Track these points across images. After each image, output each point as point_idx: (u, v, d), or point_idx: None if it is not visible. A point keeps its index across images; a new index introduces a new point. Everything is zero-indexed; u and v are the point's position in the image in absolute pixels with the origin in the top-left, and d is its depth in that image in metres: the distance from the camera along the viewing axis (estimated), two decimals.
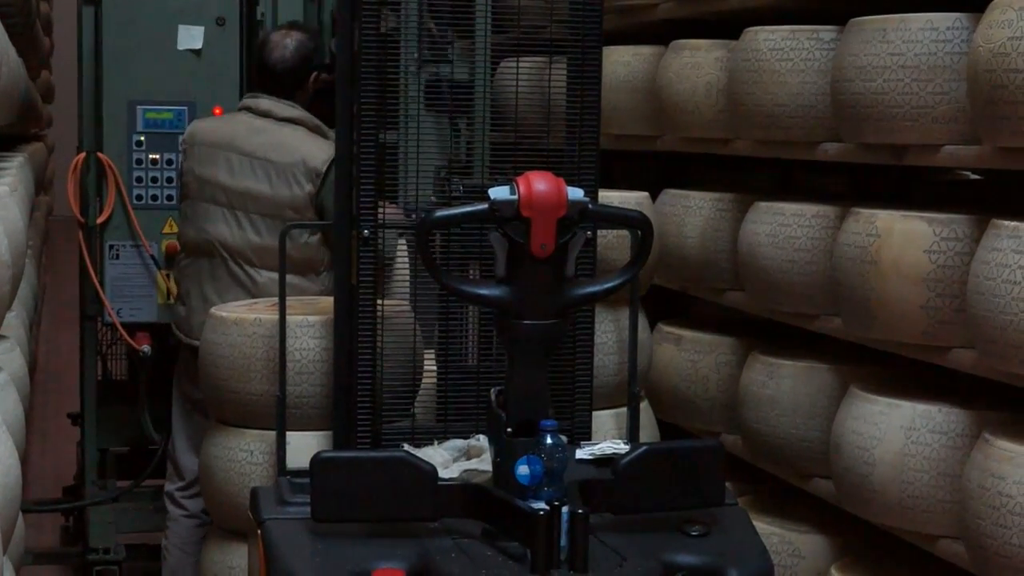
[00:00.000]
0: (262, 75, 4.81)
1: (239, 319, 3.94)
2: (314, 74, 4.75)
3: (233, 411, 3.95)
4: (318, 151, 4.57)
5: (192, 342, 4.65)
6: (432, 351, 3.75)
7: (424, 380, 3.70)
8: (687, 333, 4.80)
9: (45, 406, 7.85)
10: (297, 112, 4.70)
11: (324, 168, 4.51)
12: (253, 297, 4.57)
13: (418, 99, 3.70)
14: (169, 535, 4.87)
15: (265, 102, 4.74)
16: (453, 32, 3.74)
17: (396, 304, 3.65)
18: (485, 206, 3.11)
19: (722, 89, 4.53)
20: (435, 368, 3.72)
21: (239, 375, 3.89)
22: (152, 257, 5.38)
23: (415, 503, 3.12)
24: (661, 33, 5.00)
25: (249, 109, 4.77)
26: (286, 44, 4.76)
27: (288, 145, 4.62)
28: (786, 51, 4.14)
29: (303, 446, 3.61)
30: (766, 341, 4.57)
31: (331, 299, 3.70)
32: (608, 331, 4.11)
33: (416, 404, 3.68)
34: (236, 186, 4.66)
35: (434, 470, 3.15)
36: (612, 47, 5.03)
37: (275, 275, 4.40)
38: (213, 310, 4.08)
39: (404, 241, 3.83)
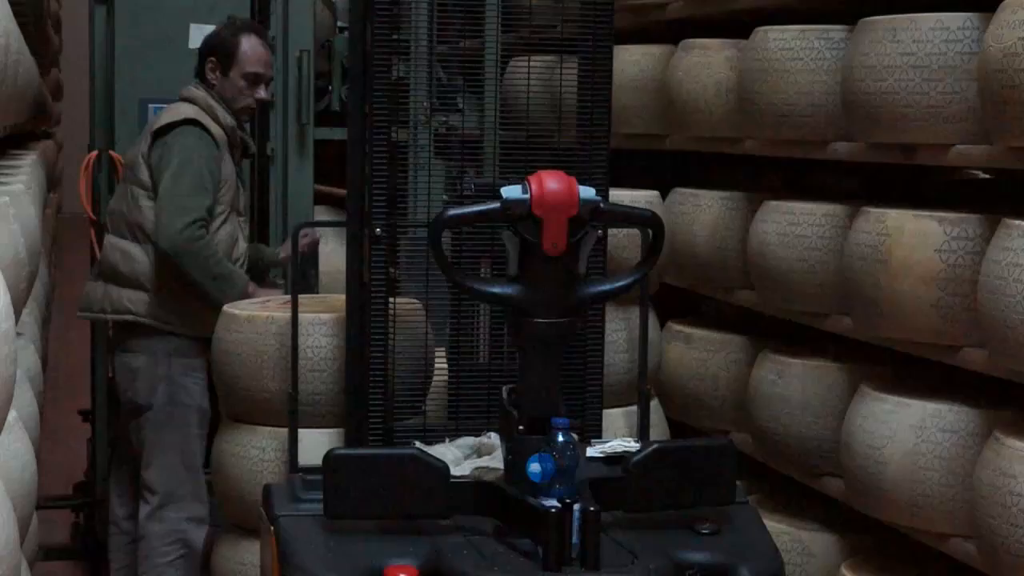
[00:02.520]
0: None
1: (251, 316, 3.95)
2: (210, 59, 4.80)
3: (245, 408, 3.96)
4: (167, 115, 4.69)
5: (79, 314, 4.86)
6: (444, 349, 3.76)
7: (436, 378, 3.71)
8: (697, 332, 4.81)
9: (55, 403, 7.86)
10: (194, 91, 4.78)
11: (158, 127, 4.64)
12: (100, 262, 4.78)
13: (430, 101, 3.72)
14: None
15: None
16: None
17: (408, 302, 3.67)
18: (497, 205, 3.12)
19: (732, 88, 4.53)
20: (447, 366, 3.73)
21: (251, 372, 3.91)
22: None
23: (427, 500, 3.13)
24: (671, 32, 5.01)
25: None
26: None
27: (160, 115, 4.77)
28: (796, 50, 4.15)
29: (315, 443, 3.62)
30: (776, 340, 4.57)
31: (343, 297, 3.71)
32: (618, 329, 4.12)
33: (428, 402, 3.69)
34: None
35: (446, 467, 3.17)
36: (622, 46, 5.04)
37: (114, 239, 4.70)
38: (226, 307, 4.11)
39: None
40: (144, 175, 4.65)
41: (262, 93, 4.84)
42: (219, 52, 4.81)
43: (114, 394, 4.99)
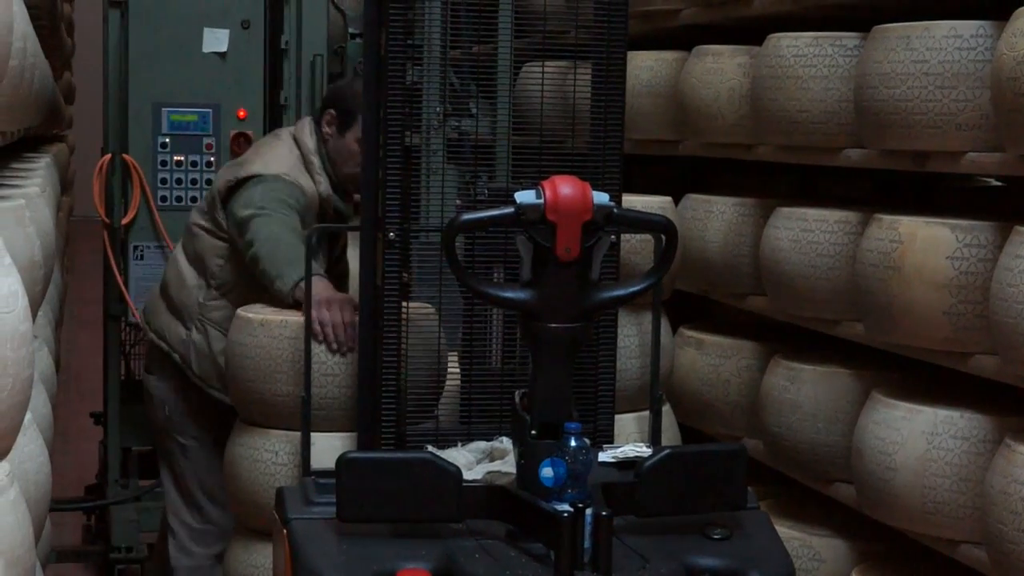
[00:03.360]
0: None
1: (265, 320, 3.96)
2: (329, 112, 4.44)
3: (259, 411, 3.97)
4: (258, 164, 4.36)
5: None
6: (456, 353, 3.76)
7: (448, 382, 3.71)
8: (709, 337, 4.81)
9: (67, 405, 7.88)
10: (300, 131, 4.47)
11: (245, 175, 4.32)
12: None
13: (443, 104, 3.73)
14: None
15: None
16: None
17: (420, 307, 3.67)
18: (511, 210, 3.13)
19: (745, 95, 4.54)
20: (459, 370, 3.74)
21: (265, 376, 3.91)
22: None
23: (439, 504, 3.13)
24: (684, 39, 5.01)
25: None
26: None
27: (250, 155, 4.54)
28: (809, 57, 4.15)
29: (327, 447, 3.63)
30: (788, 346, 4.57)
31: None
32: (631, 335, 4.13)
33: (440, 406, 3.69)
34: None
35: (458, 471, 3.17)
36: (635, 52, 5.04)
37: (178, 254, 4.55)
38: (240, 311, 4.08)
39: None
40: (219, 215, 4.39)
41: None
42: (340, 107, 4.40)
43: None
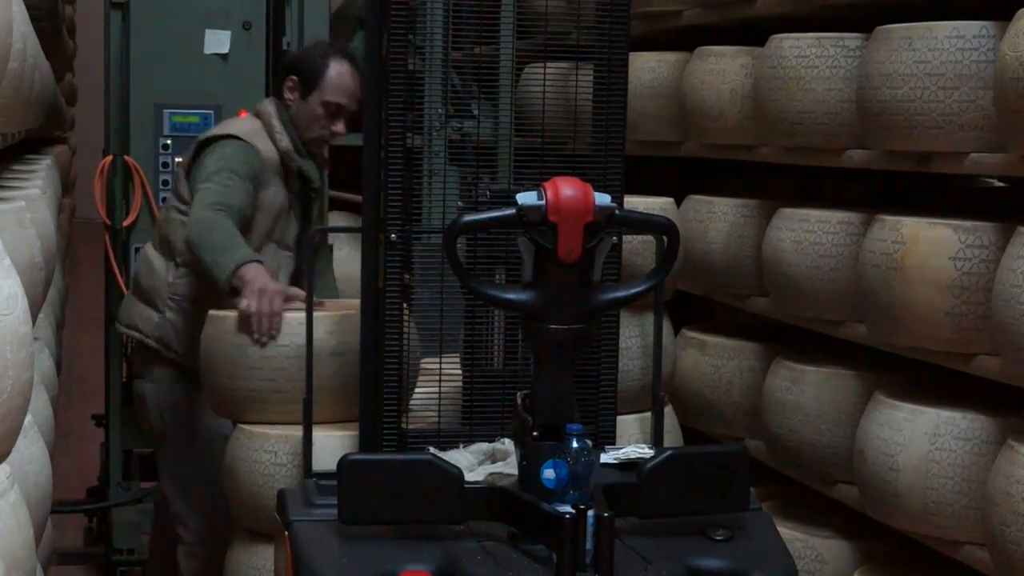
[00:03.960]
0: None
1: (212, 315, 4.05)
2: (290, 78, 4.49)
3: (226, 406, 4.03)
4: (217, 128, 4.51)
5: None
6: (458, 355, 3.76)
7: (450, 383, 3.71)
8: (711, 339, 4.81)
9: (69, 407, 7.88)
10: (262, 106, 4.53)
11: (202, 139, 4.44)
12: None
13: (445, 104, 3.72)
14: None
15: None
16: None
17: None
18: (513, 211, 3.13)
19: (747, 96, 4.53)
20: (461, 372, 3.73)
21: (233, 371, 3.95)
22: None
23: (441, 506, 3.13)
24: (686, 39, 5.01)
25: None
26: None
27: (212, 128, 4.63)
28: (812, 58, 4.15)
29: (328, 448, 3.62)
30: (790, 347, 4.57)
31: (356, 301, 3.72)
32: (633, 336, 4.12)
33: (442, 407, 3.68)
34: None
35: (460, 473, 3.17)
36: (637, 53, 5.04)
37: (148, 250, 4.53)
38: (212, 312, 4.07)
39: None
40: (183, 188, 4.46)
41: (340, 127, 4.48)
42: (302, 72, 4.47)
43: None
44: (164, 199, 5.40)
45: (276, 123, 4.44)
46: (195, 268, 4.32)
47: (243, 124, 4.48)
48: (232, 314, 3.96)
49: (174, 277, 4.45)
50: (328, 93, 4.43)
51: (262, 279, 3.96)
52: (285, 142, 4.44)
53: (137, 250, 5.43)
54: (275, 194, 4.44)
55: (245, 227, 4.32)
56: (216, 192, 4.25)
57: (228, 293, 4.02)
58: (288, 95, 4.48)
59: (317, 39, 4.76)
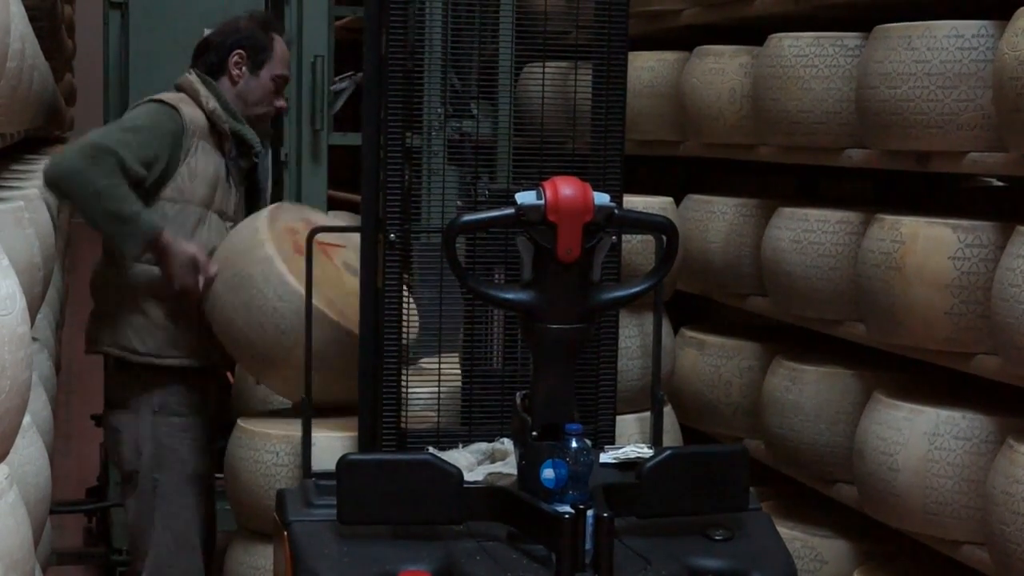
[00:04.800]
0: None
1: None
2: (236, 52, 4.31)
3: None
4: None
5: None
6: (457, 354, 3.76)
7: (449, 383, 3.70)
8: (710, 338, 4.81)
9: (68, 407, 7.88)
10: (187, 77, 4.32)
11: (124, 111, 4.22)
12: None
13: (444, 105, 3.72)
14: None
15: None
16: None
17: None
18: (512, 210, 3.13)
19: (746, 95, 4.53)
20: (460, 371, 3.73)
21: None
22: None
23: (440, 506, 3.13)
24: (685, 39, 5.01)
25: None
26: (220, 23, 4.47)
27: None
28: (811, 57, 4.15)
29: (328, 448, 3.62)
30: (789, 346, 4.57)
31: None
32: (632, 336, 4.12)
33: (441, 407, 3.68)
34: None
35: (459, 473, 3.17)
36: (636, 52, 5.04)
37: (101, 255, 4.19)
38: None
39: None
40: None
41: (282, 102, 4.43)
42: (250, 47, 4.32)
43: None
44: None
45: (200, 87, 4.25)
46: (72, 203, 4.13)
47: (166, 95, 4.26)
48: None
49: (131, 268, 4.14)
50: (278, 67, 4.35)
51: (177, 248, 4.02)
52: (212, 103, 4.24)
53: None
54: (206, 160, 4.19)
55: (178, 196, 4.14)
56: (105, 135, 4.09)
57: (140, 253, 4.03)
58: (235, 71, 4.31)
59: (237, 14, 4.48)
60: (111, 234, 4.03)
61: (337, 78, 5.56)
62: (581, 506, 2.99)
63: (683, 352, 4.81)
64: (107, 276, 4.23)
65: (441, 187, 3.65)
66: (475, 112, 3.76)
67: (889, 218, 3.80)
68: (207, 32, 4.45)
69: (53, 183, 4.00)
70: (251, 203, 4.46)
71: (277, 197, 5.40)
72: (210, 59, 4.34)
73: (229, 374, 5.29)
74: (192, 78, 4.30)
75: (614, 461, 3.52)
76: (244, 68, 4.32)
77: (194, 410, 4.24)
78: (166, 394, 4.20)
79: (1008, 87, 3.35)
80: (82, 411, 7.22)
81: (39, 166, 4.81)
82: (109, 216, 3.97)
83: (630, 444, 3.65)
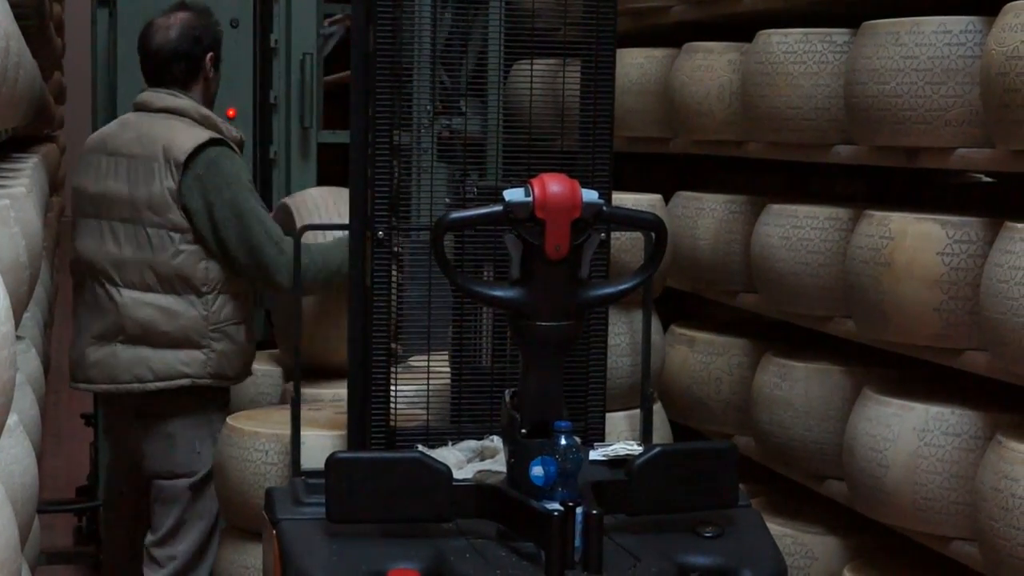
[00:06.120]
0: (145, 65, 4.33)
1: None
2: (209, 55, 4.29)
3: None
4: (183, 140, 4.09)
5: (76, 386, 4.31)
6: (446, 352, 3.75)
7: (438, 381, 3.70)
8: (700, 335, 4.81)
9: (58, 406, 7.86)
10: (179, 101, 4.22)
11: (185, 158, 4.06)
12: (117, 323, 4.14)
13: (432, 101, 3.72)
14: None
15: (145, 94, 4.31)
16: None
17: None
18: (500, 208, 3.12)
19: (735, 91, 4.53)
20: (449, 369, 3.73)
21: None
22: None
23: (430, 504, 3.13)
24: (674, 35, 5.01)
25: (135, 105, 4.37)
26: (168, 27, 4.27)
27: (152, 136, 4.15)
28: (799, 54, 4.14)
29: (317, 446, 3.61)
30: (779, 343, 4.57)
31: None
32: (621, 333, 4.12)
33: (431, 405, 3.68)
34: (97, 190, 4.22)
35: (448, 471, 3.16)
36: (625, 49, 5.04)
37: (138, 294, 4.09)
38: None
39: None
40: (176, 215, 4.10)
41: None
42: (217, 44, 4.31)
43: (121, 465, 4.44)
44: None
45: (207, 113, 4.23)
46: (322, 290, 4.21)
47: (198, 132, 4.15)
48: None
49: (207, 310, 4.14)
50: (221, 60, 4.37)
51: None
52: (234, 132, 4.29)
53: None
54: None
55: None
56: (267, 224, 4.13)
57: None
58: (210, 73, 4.30)
59: (175, 14, 4.34)
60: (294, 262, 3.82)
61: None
62: (570, 503, 2.99)
63: (673, 349, 4.81)
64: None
65: (430, 184, 3.65)
66: (464, 109, 3.76)
67: (878, 214, 3.80)
68: (157, 42, 4.29)
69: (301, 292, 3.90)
70: None
71: (266, 196, 5.40)
72: (178, 69, 4.26)
73: None
74: (192, 104, 4.22)
75: (603, 458, 3.52)
76: (212, 68, 4.32)
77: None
78: (225, 393, 4.34)
79: (996, 83, 3.35)
80: (72, 410, 7.21)
81: (27, 164, 4.80)
82: (339, 273, 4.02)
83: (620, 441, 3.65)
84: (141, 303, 4.13)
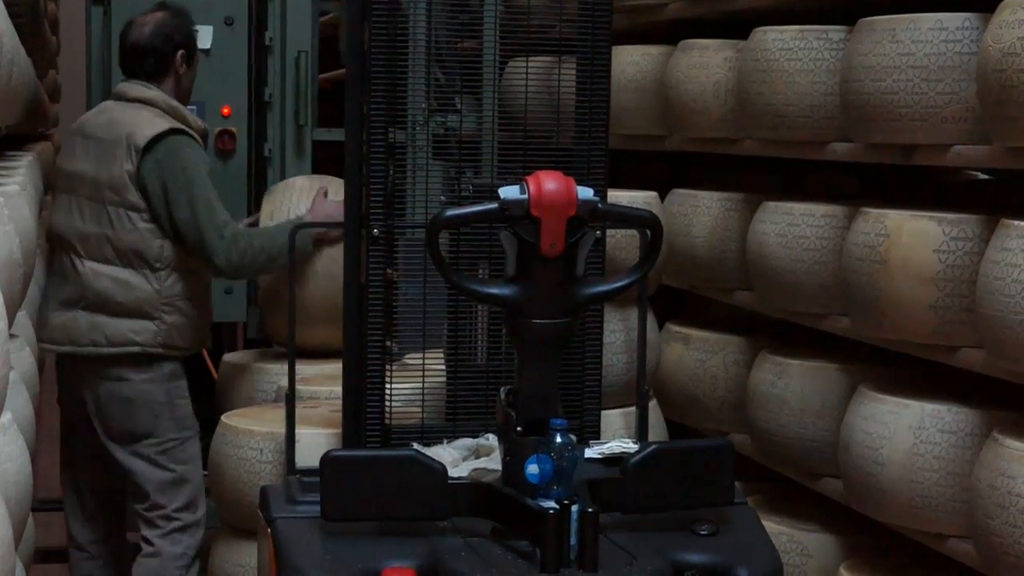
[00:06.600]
0: (122, 57, 4.60)
1: None
2: (179, 52, 4.52)
3: None
4: (146, 127, 4.36)
5: (42, 345, 4.48)
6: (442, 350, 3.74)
7: (434, 379, 3.70)
8: (696, 333, 4.80)
9: (52, 405, 7.84)
10: (150, 92, 4.47)
11: (145, 143, 4.32)
12: (79, 291, 4.40)
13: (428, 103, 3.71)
14: None
15: (121, 84, 4.58)
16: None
17: None
18: (495, 205, 3.12)
19: (731, 89, 4.52)
20: (445, 367, 3.72)
21: None
22: None
23: (425, 502, 3.12)
24: (670, 33, 5.00)
25: (113, 94, 4.65)
26: (144, 24, 4.54)
27: (120, 122, 4.42)
28: (795, 51, 4.14)
29: (312, 445, 3.61)
30: (775, 341, 4.57)
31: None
32: (617, 330, 4.11)
33: (426, 403, 3.67)
34: (71, 169, 4.50)
35: (444, 469, 3.16)
36: (620, 47, 5.03)
37: (98, 266, 4.37)
38: None
39: None
40: (134, 196, 4.33)
41: None
42: (189, 43, 4.57)
43: (75, 422, 4.67)
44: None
45: (175, 104, 4.49)
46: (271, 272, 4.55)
47: (160, 122, 4.39)
48: None
49: (160, 284, 4.36)
50: (198, 56, 4.64)
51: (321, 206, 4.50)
52: (200, 123, 4.57)
53: None
54: None
55: None
56: (214, 210, 4.37)
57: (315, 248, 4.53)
58: (180, 69, 4.53)
59: (152, 11, 4.60)
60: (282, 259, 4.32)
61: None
62: (566, 501, 2.99)
63: (668, 347, 4.80)
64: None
65: (425, 182, 3.64)
66: (459, 107, 3.75)
67: (874, 211, 3.80)
68: (132, 38, 4.54)
69: (241, 276, 4.65)
70: None
71: (260, 193, 5.39)
72: (149, 64, 4.52)
73: (212, 369, 5.28)
74: (161, 95, 4.47)
75: (599, 456, 3.52)
76: (184, 64, 4.55)
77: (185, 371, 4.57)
78: (176, 362, 4.50)
79: (992, 80, 3.35)
80: None
81: (21, 162, 4.78)
82: (280, 256, 4.34)
83: (615, 439, 3.64)
84: (100, 274, 4.39)
